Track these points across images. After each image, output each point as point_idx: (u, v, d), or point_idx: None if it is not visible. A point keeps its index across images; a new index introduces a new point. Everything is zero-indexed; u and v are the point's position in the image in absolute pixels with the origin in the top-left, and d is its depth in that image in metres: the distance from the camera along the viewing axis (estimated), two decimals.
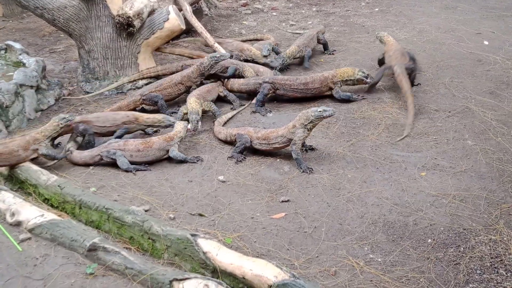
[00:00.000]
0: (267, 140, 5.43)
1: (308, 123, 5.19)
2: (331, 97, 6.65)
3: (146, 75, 7.34)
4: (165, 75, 7.42)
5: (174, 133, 5.55)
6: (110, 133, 5.85)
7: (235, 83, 6.89)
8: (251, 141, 5.51)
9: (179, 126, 5.63)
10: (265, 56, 7.68)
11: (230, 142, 5.76)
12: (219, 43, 8.11)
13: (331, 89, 6.63)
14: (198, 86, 6.70)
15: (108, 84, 7.22)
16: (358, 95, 6.68)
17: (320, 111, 5.17)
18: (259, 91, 6.62)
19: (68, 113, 5.73)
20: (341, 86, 6.64)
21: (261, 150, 5.54)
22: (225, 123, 6.24)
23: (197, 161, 5.44)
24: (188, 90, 6.72)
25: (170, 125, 5.85)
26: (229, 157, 5.51)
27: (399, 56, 7.09)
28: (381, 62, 7.63)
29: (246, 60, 7.67)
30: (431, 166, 5.16)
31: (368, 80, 6.67)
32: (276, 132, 5.40)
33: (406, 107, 6.19)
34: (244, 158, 5.49)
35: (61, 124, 5.43)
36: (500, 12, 10.15)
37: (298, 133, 5.21)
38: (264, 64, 7.55)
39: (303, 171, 5.17)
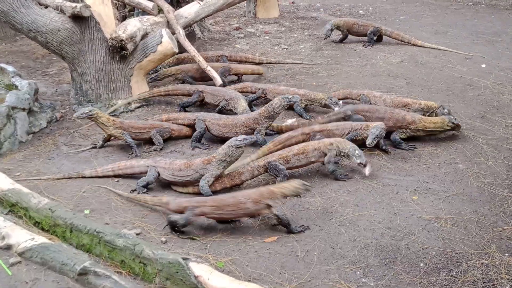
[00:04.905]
0: (305, 154, 5.40)
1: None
2: None
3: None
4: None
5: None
6: None
7: None
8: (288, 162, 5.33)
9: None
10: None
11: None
12: None
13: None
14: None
15: (100, 107, 7.18)
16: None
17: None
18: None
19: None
20: None
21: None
22: None
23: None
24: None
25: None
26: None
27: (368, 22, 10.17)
28: (341, 38, 10.11)
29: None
30: (422, 189, 5.18)
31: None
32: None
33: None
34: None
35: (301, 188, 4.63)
36: (490, 37, 10.28)
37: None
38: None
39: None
